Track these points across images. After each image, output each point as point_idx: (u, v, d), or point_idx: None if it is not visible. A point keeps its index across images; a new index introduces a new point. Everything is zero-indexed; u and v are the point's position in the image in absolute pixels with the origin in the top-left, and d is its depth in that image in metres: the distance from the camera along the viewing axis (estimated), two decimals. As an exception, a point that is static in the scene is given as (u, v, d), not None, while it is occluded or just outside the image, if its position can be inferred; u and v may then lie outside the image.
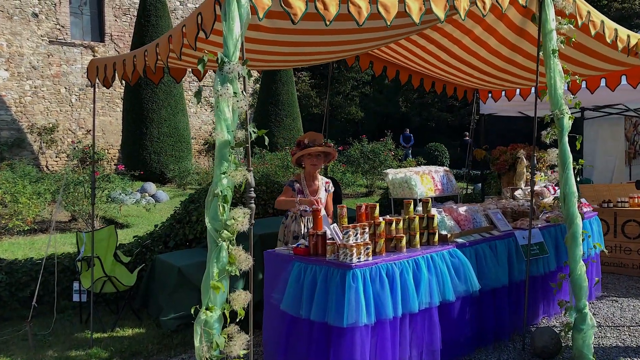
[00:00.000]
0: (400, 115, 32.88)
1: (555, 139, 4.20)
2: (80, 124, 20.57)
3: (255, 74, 25.80)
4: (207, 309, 2.40)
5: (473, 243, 4.27)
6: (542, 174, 5.67)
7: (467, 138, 22.71)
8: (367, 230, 3.64)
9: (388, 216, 4.11)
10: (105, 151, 20.89)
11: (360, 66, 6.66)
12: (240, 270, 2.55)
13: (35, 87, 19.46)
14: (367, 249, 3.57)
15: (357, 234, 3.57)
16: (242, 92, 2.59)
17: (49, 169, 19.21)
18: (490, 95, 7.96)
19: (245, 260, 2.50)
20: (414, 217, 4.05)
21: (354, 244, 3.49)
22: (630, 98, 7.28)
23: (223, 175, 2.52)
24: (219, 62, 2.55)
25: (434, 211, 4.33)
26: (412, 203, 4.11)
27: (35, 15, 19.39)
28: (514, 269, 4.52)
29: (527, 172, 5.71)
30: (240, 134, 2.51)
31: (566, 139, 4.11)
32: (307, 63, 5.84)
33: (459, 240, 4.24)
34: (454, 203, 4.72)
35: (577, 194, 4.09)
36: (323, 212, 4.13)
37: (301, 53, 4.58)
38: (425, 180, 4.71)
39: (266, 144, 2.81)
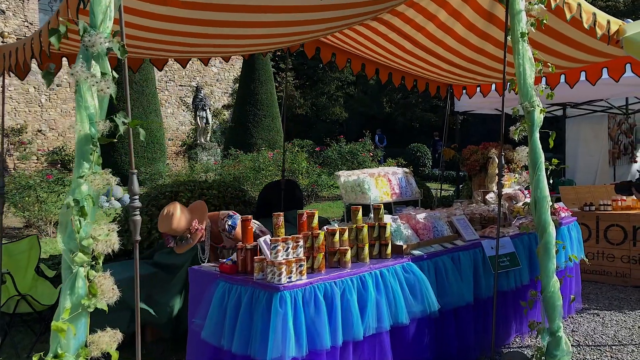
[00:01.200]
0: (384, 115, 32.48)
1: (525, 136, 3.67)
2: (51, 125, 19.83)
3: (234, 73, 25.20)
4: (54, 356, 1.82)
5: (432, 255, 3.72)
6: (516, 175, 5.15)
7: (437, 138, 22.30)
8: (301, 243, 3.07)
9: (336, 224, 3.54)
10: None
11: (322, 58, 6.12)
12: (108, 304, 1.97)
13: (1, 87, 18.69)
14: (301, 266, 3.00)
15: (288, 248, 3.00)
16: (111, 72, 2.02)
17: (17, 172, 18.43)
18: (464, 91, 7.44)
19: (109, 292, 1.92)
20: (362, 227, 3.49)
21: (283, 261, 2.92)
22: (613, 92, 6.80)
23: (82, 180, 1.94)
24: (81, 33, 1.98)
25: (387, 218, 3.78)
26: (361, 210, 3.55)
27: (2, 11, 18.62)
28: (480, 284, 3.97)
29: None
30: (104, 126, 1.94)
31: (537, 135, 3.58)
32: (239, 50, 5.21)
33: (416, 252, 3.68)
34: (414, 209, 4.17)
35: (549, 198, 3.55)
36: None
37: (227, 36, 3.97)
38: (380, 183, 4.16)
39: (142, 138, 2.24)
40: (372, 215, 3.88)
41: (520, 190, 5.05)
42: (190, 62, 20.32)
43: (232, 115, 21.25)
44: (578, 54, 5.16)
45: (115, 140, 2.11)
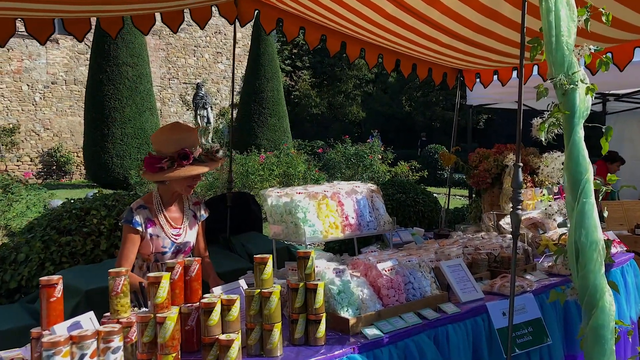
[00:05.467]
0: (404, 115, 30.94)
1: (558, 134, 2.15)
2: (45, 124, 18.79)
3: (242, 70, 23.84)
4: None
5: (400, 335, 2.21)
6: (544, 191, 3.58)
7: (424, 139, 20.57)
8: (116, 342, 1.59)
9: (218, 289, 2.07)
10: (73, 154, 19.12)
11: (286, 34, 4.66)
12: None
13: (-7, 84, 17.73)
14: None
15: (84, 355, 1.52)
16: None
17: (9, 174, 17.39)
18: (478, 79, 5.86)
19: None
20: (270, 293, 2.00)
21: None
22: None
23: None
24: None
25: (326, 270, 2.28)
26: (270, 261, 2.06)
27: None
28: (484, 378, 2.45)
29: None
30: None
31: (581, 133, 2.04)
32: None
33: (372, 331, 2.17)
34: (380, 249, 2.67)
35: (603, 243, 2.01)
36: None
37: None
38: (326, 208, 2.65)
39: None
40: (311, 265, 2.38)
41: (549, 212, 3.46)
42: (195, 58, 18.75)
43: (237, 115, 19.94)
44: (635, 17, 3.58)
45: None
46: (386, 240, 4.35)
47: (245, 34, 23.03)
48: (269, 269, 2.04)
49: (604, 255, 1.98)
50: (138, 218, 2.55)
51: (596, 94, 7.19)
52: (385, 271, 2.38)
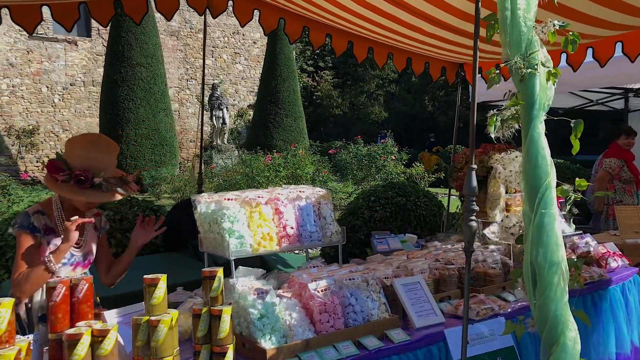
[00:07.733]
0: (427, 115, 30.36)
1: (516, 130, 1.76)
2: (64, 126, 18.92)
3: (260, 70, 23.66)
4: None
5: (328, 370, 1.86)
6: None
7: (433, 139, 19.87)
8: None
9: (112, 313, 1.75)
10: (91, 155, 19.19)
11: (264, 26, 4.34)
12: None
13: (13, 86, 17.90)
14: None
15: None
16: None
17: (29, 175, 17.54)
18: (479, 74, 5.43)
19: None
20: (158, 321, 1.66)
21: None
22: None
23: None
24: None
25: (245, 291, 1.94)
26: (162, 284, 1.73)
27: None
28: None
29: (507, 194, 3.19)
30: None
31: (541, 128, 1.66)
32: None
33: (292, 365, 1.83)
34: (324, 263, 2.31)
35: (565, 265, 1.62)
36: None
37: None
38: (259, 217, 2.29)
39: None
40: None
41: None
42: (213, 59, 18.62)
43: (253, 115, 19.76)
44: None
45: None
46: (373, 248, 3.98)
47: (263, 34, 22.86)
48: (160, 292, 1.70)
49: (567, 279, 1.59)
50: (36, 223, 2.27)
51: (617, 89, 6.60)
52: (318, 292, 2.02)
